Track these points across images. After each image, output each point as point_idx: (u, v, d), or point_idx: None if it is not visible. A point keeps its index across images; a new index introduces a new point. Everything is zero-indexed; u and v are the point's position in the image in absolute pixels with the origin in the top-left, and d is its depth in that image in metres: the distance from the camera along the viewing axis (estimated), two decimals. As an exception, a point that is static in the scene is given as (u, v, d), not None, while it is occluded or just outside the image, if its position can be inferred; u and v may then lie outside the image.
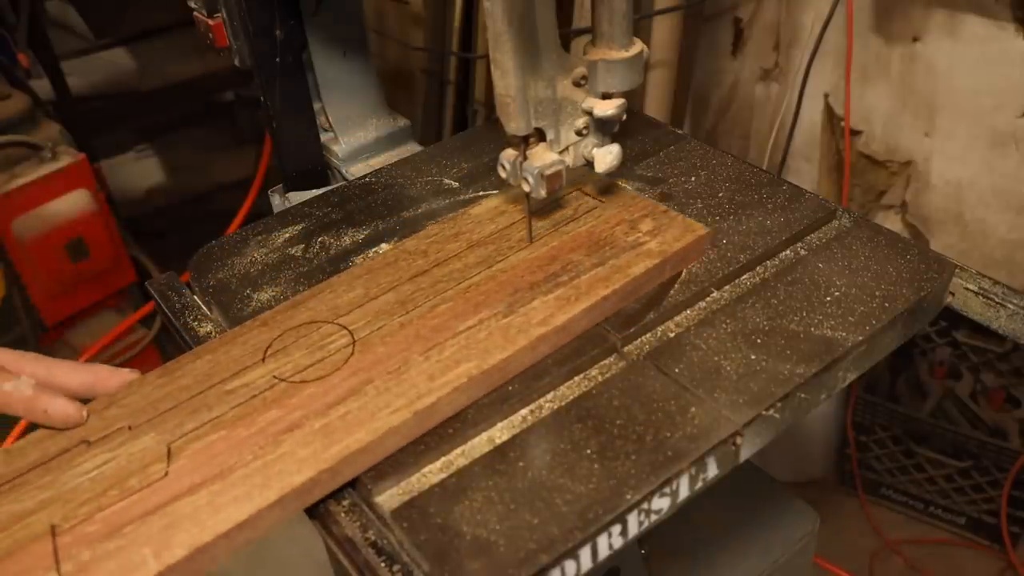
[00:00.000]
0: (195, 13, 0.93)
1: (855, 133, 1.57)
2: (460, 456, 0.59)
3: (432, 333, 0.65)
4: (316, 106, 1.01)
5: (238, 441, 0.58)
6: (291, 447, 0.57)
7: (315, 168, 1.02)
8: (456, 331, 0.65)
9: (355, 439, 0.57)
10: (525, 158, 0.68)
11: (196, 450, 0.58)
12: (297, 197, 0.98)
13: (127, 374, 0.65)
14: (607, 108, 0.67)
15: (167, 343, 2.01)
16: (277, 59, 0.93)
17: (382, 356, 0.64)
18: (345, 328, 0.67)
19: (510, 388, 0.63)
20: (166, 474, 0.57)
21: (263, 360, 0.65)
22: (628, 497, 0.54)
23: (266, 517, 0.54)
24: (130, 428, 0.60)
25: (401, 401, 0.59)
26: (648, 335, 0.67)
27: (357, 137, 1.04)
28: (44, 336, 1.88)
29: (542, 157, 0.67)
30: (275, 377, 0.63)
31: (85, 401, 0.63)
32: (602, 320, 0.68)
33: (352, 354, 0.64)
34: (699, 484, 0.58)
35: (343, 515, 0.57)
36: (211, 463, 0.57)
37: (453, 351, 0.63)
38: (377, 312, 0.68)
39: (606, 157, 0.70)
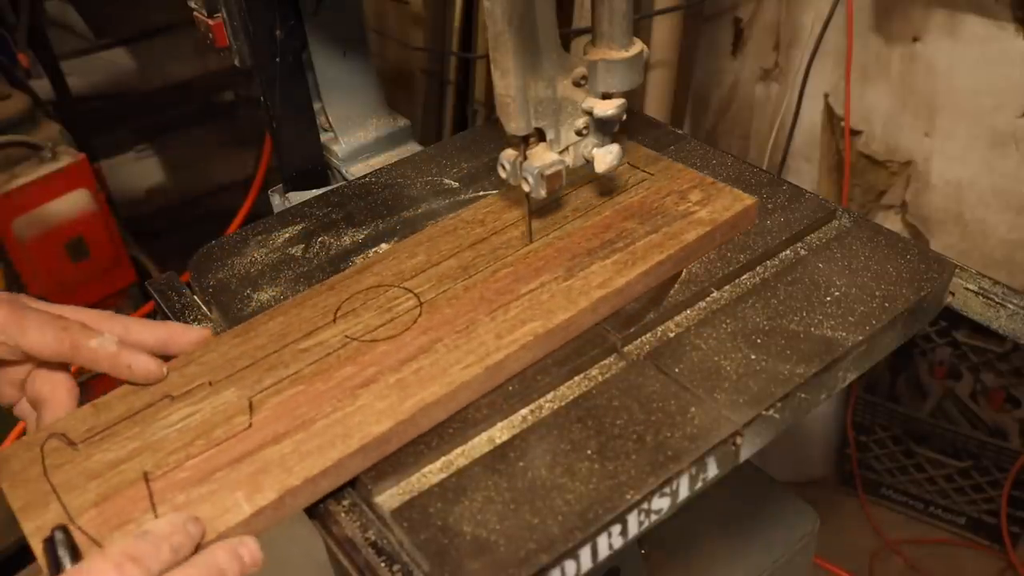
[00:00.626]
0: (195, 13, 0.93)
1: (855, 133, 1.57)
2: (460, 456, 0.59)
3: (496, 296, 0.68)
4: (316, 106, 1.01)
5: (317, 395, 0.61)
6: (369, 400, 0.60)
7: (315, 168, 1.02)
8: (519, 294, 0.68)
9: (430, 392, 0.60)
10: (525, 158, 0.68)
11: (277, 403, 0.61)
12: (297, 197, 0.98)
13: (199, 331, 0.68)
14: (607, 108, 0.67)
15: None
16: (277, 59, 0.93)
17: (449, 317, 0.66)
18: (411, 291, 0.70)
19: (510, 388, 0.63)
20: (250, 425, 0.59)
21: (334, 321, 0.68)
22: (628, 497, 0.54)
23: (348, 465, 0.57)
24: (211, 384, 0.63)
25: (472, 358, 0.62)
26: (648, 335, 0.67)
27: (357, 137, 1.04)
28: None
29: (542, 157, 0.67)
30: (347, 336, 0.66)
31: (164, 359, 0.65)
32: (644, 291, 0.70)
33: (420, 315, 0.67)
34: (699, 484, 0.58)
35: (343, 515, 0.57)
36: (292, 415, 0.60)
37: (518, 312, 0.66)
38: (441, 277, 0.71)
39: (606, 157, 0.70)
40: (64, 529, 0.50)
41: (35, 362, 0.63)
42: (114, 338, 0.62)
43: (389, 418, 0.58)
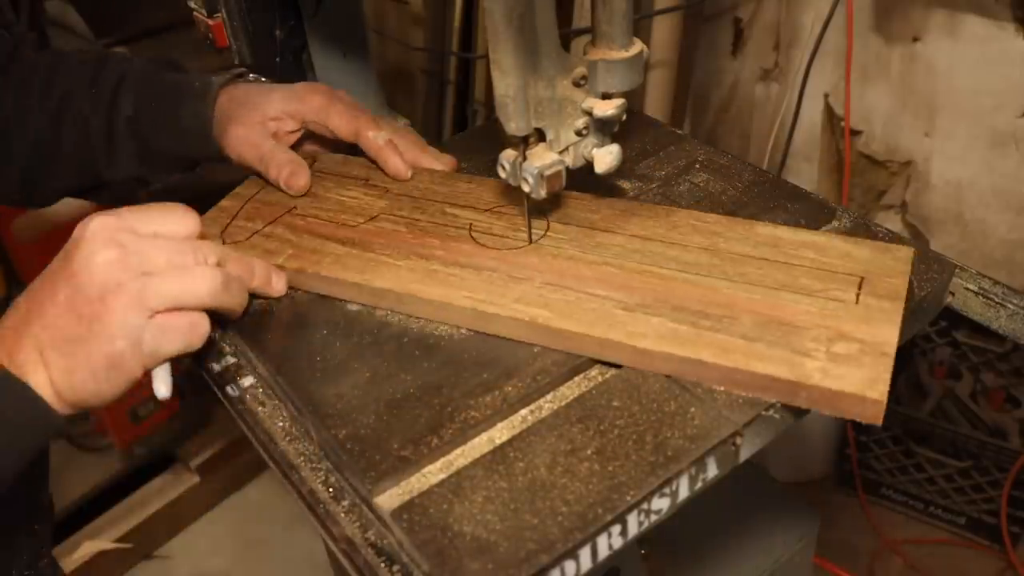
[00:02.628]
0: (195, 13, 0.94)
1: (855, 133, 1.57)
2: (460, 456, 0.59)
3: (573, 279, 0.68)
4: (316, 106, 1.00)
5: (401, 239, 0.75)
6: (389, 262, 0.72)
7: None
8: (585, 291, 0.66)
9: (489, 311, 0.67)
10: (525, 158, 0.68)
11: (386, 231, 0.76)
12: (297, 197, 0.98)
13: (448, 161, 0.86)
14: (607, 108, 0.67)
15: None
16: (277, 59, 0.93)
17: (534, 264, 0.70)
18: (561, 236, 0.74)
19: (509, 388, 0.63)
20: (356, 226, 0.77)
21: (488, 211, 0.77)
22: (628, 497, 0.54)
23: (346, 291, 0.72)
24: (387, 191, 0.82)
25: (481, 295, 0.68)
26: (648, 335, 0.67)
27: (357, 137, 1.03)
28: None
29: (542, 157, 0.67)
30: (471, 226, 0.76)
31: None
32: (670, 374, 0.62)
33: (526, 248, 0.72)
34: (699, 484, 0.58)
35: (343, 515, 0.57)
36: (391, 244, 0.74)
37: (543, 292, 0.67)
38: (571, 237, 0.73)
39: (606, 157, 0.69)
40: None
41: (328, 147, 0.89)
42: (386, 135, 0.83)
43: (394, 281, 0.70)
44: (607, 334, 0.62)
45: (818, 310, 0.63)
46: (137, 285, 0.58)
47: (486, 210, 0.78)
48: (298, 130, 0.85)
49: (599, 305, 0.65)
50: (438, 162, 0.85)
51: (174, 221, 0.63)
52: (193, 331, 0.61)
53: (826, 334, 0.61)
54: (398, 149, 0.83)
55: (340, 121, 0.82)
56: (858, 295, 0.64)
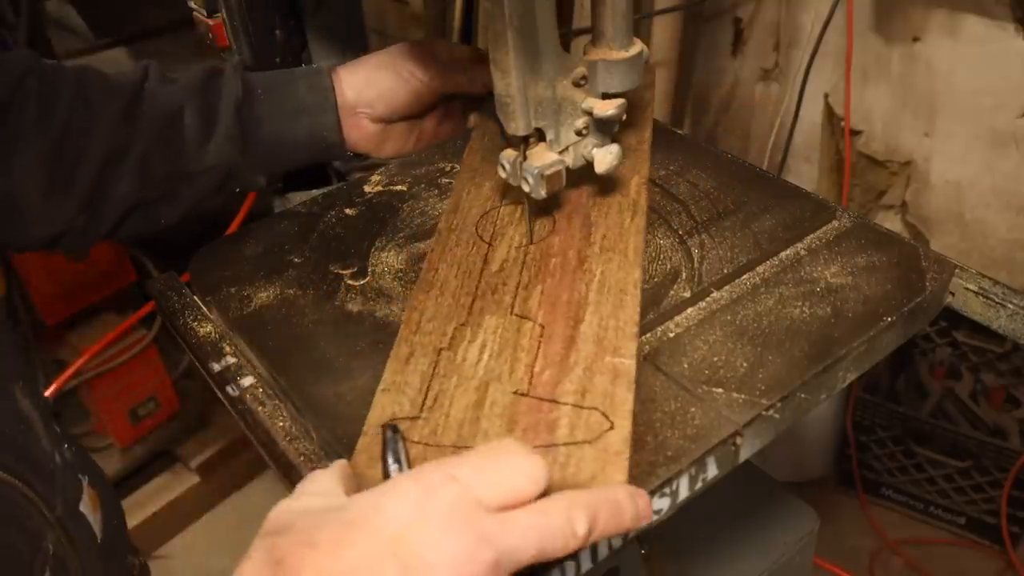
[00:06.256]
0: (195, 13, 0.94)
1: (855, 133, 1.57)
2: (460, 456, 0.59)
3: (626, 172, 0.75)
4: (316, 106, 1.00)
5: (558, 283, 0.63)
6: (602, 265, 0.64)
7: (315, 168, 1.02)
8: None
9: (632, 245, 0.67)
10: (525, 158, 0.68)
11: (539, 303, 0.61)
12: (297, 197, 0.98)
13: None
14: (607, 108, 0.67)
15: (167, 343, 2.01)
16: (277, 59, 0.93)
17: (577, 207, 0.73)
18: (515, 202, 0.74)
19: (510, 388, 0.62)
20: (542, 325, 0.59)
21: (491, 245, 0.70)
22: (628, 497, 0.54)
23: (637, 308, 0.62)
24: (462, 324, 0.61)
25: (627, 215, 0.70)
26: (648, 335, 0.67)
27: (357, 137, 1.03)
28: (44, 336, 1.88)
29: (542, 157, 0.67)
30: (518, 248, 0.69)
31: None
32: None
33: (555, 213, 0.73)
34: (699, 484, 0.58)
35: (343, 515, 0.57)
36: (562, 302, 0.61)
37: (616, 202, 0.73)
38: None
39: (606, 157, 0.69)
40: (394, 427, 0.46)
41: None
42: None
43: (635, 265, 0.64)
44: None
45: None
46: None
47: (491, 245, 0.71)
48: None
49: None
50: None
51: (524, 477, 0.43)
52: None
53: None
54: None
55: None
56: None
